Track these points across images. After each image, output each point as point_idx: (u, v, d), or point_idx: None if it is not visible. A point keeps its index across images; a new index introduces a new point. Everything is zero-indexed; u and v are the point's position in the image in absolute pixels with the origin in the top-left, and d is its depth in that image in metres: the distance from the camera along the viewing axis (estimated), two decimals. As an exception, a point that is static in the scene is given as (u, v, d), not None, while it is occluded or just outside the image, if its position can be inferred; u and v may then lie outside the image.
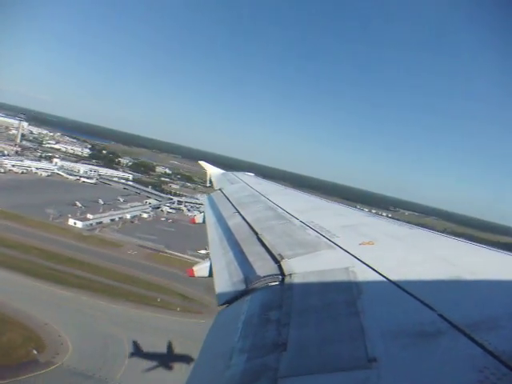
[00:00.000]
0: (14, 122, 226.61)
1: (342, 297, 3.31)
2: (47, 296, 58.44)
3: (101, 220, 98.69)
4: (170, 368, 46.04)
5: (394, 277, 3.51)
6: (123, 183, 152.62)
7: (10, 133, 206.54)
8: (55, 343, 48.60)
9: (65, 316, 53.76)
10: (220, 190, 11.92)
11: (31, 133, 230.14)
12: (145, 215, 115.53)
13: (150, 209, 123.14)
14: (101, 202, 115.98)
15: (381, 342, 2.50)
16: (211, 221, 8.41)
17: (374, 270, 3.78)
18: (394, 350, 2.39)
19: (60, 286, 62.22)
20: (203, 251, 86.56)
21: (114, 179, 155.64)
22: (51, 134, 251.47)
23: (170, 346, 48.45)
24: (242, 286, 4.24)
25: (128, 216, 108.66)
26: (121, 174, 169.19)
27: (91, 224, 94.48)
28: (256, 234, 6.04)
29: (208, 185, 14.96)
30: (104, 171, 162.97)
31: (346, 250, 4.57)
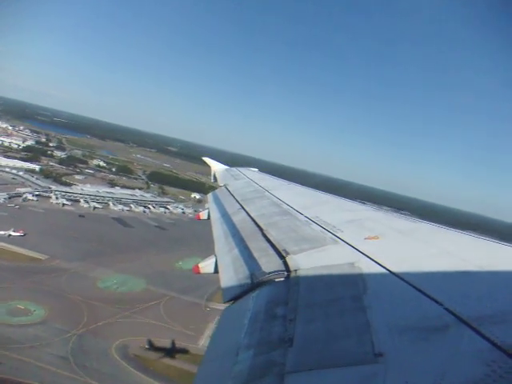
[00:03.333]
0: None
1: (348, 292, 3.31)
2: None
3: None
4: (173, 357, 54.77)
5: (399, 271, 3.48)
6: (13, 173, 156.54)
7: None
8: None
9: None
10: (224, 186, 11.89)
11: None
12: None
13: (7, 196, 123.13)
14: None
15: (387, 336, 2.47)
16: (216, 217, 8.43)
17: (379, 264, 3.75)
18: (400, 344, 2.37)
19: None
20: (1, 232, 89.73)
21: (6, 169, 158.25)
22: (10, 128, 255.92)
23: (173, 343, 56.98)
24: (248, 283, 4.25)
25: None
26: (26, 164, 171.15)
27: None
28: (261, 229, 6.06)
29: (212, 181, 15.03)
30: (5, 163, 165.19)
31: (351, 245, 4.54)
